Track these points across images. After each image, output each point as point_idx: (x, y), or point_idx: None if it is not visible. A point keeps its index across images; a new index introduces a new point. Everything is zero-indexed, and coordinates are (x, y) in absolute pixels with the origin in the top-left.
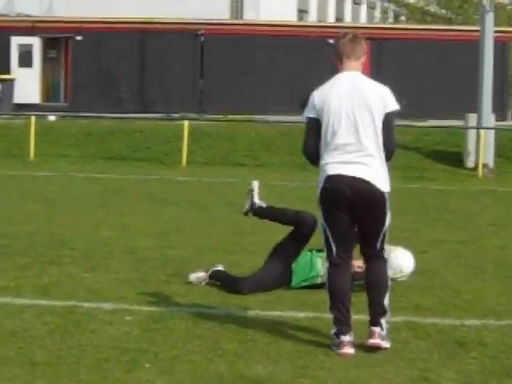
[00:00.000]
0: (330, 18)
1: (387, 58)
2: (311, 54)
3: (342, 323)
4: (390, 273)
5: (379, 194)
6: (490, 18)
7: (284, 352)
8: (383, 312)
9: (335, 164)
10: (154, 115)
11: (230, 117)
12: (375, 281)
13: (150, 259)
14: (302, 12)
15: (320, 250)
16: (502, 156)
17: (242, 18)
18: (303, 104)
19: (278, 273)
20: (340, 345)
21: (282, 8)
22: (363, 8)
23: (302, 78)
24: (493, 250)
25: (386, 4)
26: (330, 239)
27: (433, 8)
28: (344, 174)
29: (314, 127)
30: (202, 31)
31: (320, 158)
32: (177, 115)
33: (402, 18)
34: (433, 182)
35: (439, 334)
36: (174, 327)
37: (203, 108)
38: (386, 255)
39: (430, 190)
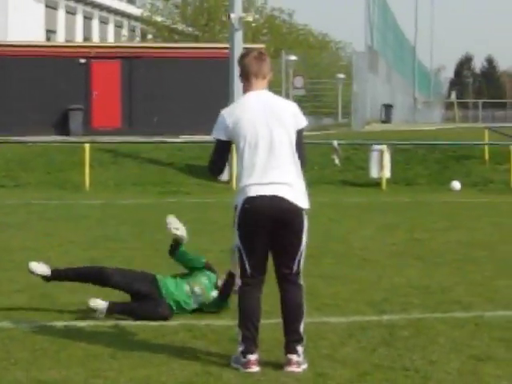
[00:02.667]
0: (79, 38)
1: (138, 77)
2: (63, 73)
3: (250, 342)
4: None
5: (299, 212)
6: (239, 35)
7: (74, 358)
8: (300, 339)
9: (255, 185)
10: None
11: None
12: (292, 308)
13: None
14: (50, 32)
15: (185, 275)
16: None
17: None
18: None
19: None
20: (246, 364)
21: (30, 28)
22: (110, 27)
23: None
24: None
25: (133, 23)
26: (245, 261)
27: (180, 26)
28: (264, 194)
29: (223, 149)
30: None
31: (239, 178)
32: None
33: (150, 36)
34: (189, 195)
35: (214, 333)
36: None
37: None
38: (301, 281)
39: (187, 204)
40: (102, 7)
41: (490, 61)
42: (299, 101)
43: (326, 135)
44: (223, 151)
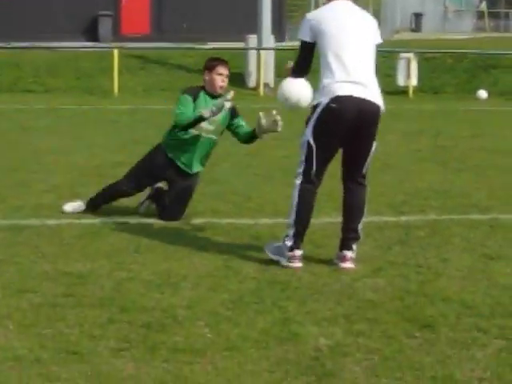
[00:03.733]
0: None
1: None
2: None
3: (301, 238)
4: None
5: (380, 114)
6: None
7: (99, 252)
8: (357, 237)
9: (343, 83)
10: None
11: (14, 44)
12: (354, 206)
13: None
14: None
15: None
16: (281, 76)
17: None
18: None
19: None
20: (292, 258)
21: None
22: None
23: (88, 3)
24: (279, 159)
25: None
26: (314, 159)
27: None
28: (353, 95)
29: (307, 50)
30: None
31: (322, 77)
32: None
33: None
34: None
35: (236, 231)
36: None
37: None
38: (367, 182)
39: None
40: None
41: None
42: None
43: None
44: (308, 53)
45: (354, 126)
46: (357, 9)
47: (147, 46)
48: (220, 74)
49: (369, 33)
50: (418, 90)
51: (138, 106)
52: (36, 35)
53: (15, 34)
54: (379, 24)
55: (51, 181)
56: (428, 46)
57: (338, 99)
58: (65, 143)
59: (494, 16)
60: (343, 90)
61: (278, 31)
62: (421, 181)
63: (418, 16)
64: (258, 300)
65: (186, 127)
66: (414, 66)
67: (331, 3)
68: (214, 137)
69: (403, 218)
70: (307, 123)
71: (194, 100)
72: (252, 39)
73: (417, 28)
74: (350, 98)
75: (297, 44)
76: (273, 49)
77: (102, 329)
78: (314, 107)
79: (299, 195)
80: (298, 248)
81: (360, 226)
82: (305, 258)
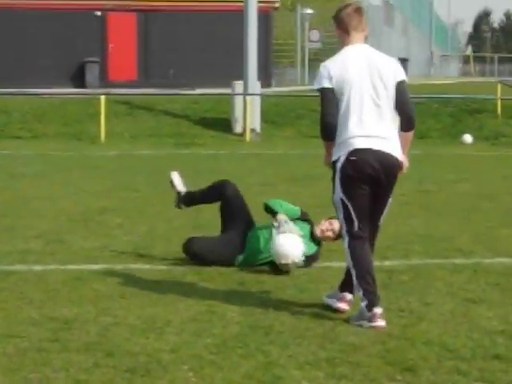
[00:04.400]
0: None
1: (154, 29)
2: (78, 26)
3: (373, 295)
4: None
5: (398, 166)
6: None
7: (85, 297)
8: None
9: (360, 137)
10: None
11: (2, 90)
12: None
13: None
14: None
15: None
16: (267, 121)
17: None
18: None
19: (232, 242)
20: (373, 317)
21: None
22: None
23: (75, 50)
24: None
25: None
26: (352, 212)
27: None
28: (371, 147)
29: (332, 97)
30: None
31: (340, 131)
32: None
33: None
34: (203, 147)
35: (221, 276)
36: None
37: None
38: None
39: (201, 155)
40: None
41: (508, 15)
42: (315, 54)
43: None
44: (330, 100)
45: (376, 177)
46: (373, 52)
47: (134, 92)
48: (331, 224)
49: (389, 75)
50: None
51: (125, 152)
52: (23, 82)
53: (2, 81)
54: None
55: (38, 226)
56: (414, 91)
57: (356, 152)
58: (52, 189)
59: (479, 60)
60: (361, 143)
61: (265, 77)
62: (404, 225)
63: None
64: (242, 344)
65: (267, 208)
66: None
67: (346, 49)
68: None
69: (387, 263)
70: (333, 181)
71: (299, 218)
72: (239, 85)
73: None
74: (369, 151)
75: (282, 90)
76: (259, 94)
77: (87, 373)
78: (334, 163)
79: (352, 256)
80: (374, 306)
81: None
82: (288, 302)
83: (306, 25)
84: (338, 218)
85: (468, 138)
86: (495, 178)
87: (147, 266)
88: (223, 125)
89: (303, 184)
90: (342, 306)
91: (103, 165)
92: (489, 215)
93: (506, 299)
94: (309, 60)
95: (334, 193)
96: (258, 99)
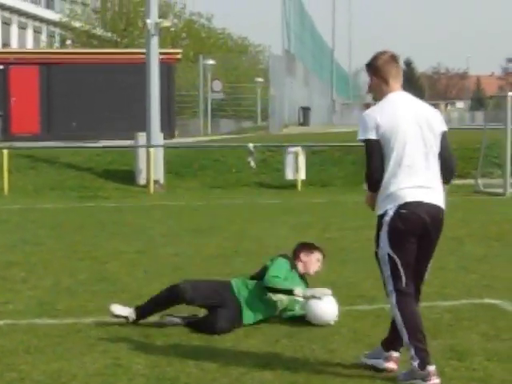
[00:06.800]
0: None
1: (56, 82)
2: None
3: (425, 353)
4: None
5: (444, 218)
6: (155, 41)
7: None
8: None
9: (410, 189)
10: None
11: None
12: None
13: None
14: None
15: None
16: (171, 172)
17: None
18: None
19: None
20: (428, 376)
21: None
22: (29, 32)
23: None
24: (168, 257)
25: (52, 28)
26: (400, 268)
27: (98, 31)
28: (422, 200)
29: (379, 148)
30: None
31: (387, 182)
32: None
33: (68, 41)
34: (107, 200)
35: (126, 328)
36: None
37: None
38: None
39: (105, 208)
40: (20, 12)
41: (408, 63)
42: (218, 104)
43: (244, 138)
44: (377, 152)
45: (427, 230)
46: (416, 100)
47: (37, 146)
48: (318, 260)
49: (436, 125)
50: (306, 183)
51: (29, 206)
52: None
53: None
54: (267, 119)
55: None
56: (316, 140)
57: (407, 205)
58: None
59: None
60: (412, 195)
61: (168, 128)
62: None
63: (305, 110)
64: None
65: (271, 290)
66: (301, 159)
67: (388, 97)
68: (280, 307)
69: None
70: (378, 235)
71: (291, 269)
72: (141, 136)
73: (305, 122)
74: (420, 204)
75: (186, 140)
76: (162, 146)
77: None
78: (381, 216)
79: (402, 314)
80: (428, 364)
81: None
82: (194, 354)
83: (209, 75)
84: (381, 274)
85: None
86: None
87: (52, 321)
88: (127, 177)
89: (207, 234)
90: (391, 365)
91: (7, 218)
92: None
93: None
94: (212, 110)
95: (378, 247)
96: (161, 150)
